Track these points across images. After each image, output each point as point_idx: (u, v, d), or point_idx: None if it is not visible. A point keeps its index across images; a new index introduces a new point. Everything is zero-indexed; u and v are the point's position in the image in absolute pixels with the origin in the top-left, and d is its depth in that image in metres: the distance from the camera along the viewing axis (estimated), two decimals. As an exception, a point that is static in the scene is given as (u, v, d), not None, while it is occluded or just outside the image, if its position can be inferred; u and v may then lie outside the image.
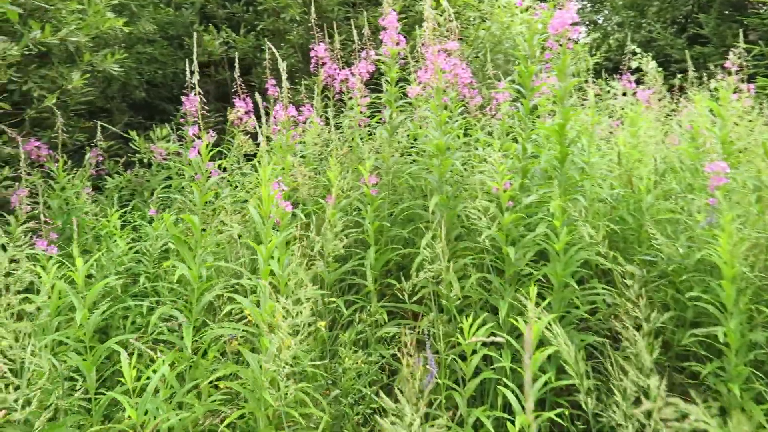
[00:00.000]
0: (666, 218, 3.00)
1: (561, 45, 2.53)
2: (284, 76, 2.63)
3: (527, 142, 2.84)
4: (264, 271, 1.75)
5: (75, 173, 3.74)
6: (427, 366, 2.21)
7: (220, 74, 7.75)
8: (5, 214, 2.65)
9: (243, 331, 1.81)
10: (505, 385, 2.40)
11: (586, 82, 3.59)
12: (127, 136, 4.94)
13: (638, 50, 6.83)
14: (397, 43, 3.23)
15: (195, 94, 2.18)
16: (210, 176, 2.10)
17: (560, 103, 2.57)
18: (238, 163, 3.30)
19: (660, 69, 5.19)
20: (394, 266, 3.27)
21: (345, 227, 2.68)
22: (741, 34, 3.55)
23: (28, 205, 2.88)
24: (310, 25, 4.32)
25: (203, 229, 2.08)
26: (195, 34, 2.66)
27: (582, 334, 2.60)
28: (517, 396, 2.04)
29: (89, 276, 2.50)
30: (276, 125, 2.81)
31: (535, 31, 2.74)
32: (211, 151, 2.15)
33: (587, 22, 13.70)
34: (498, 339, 1.70)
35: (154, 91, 7.93)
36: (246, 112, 3.25)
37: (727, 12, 9.91)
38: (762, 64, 7.62)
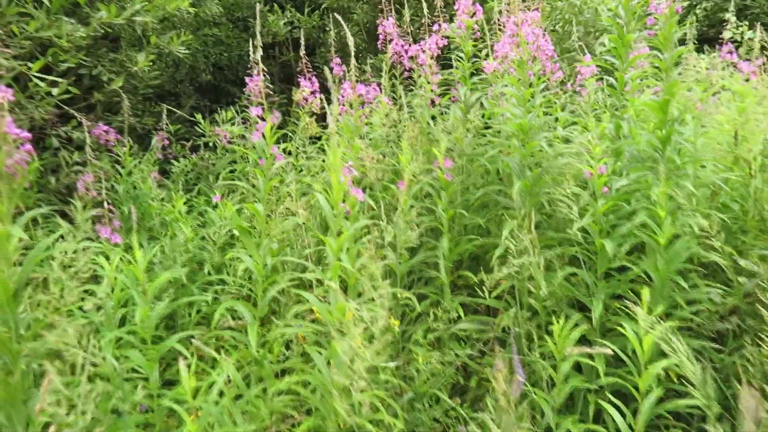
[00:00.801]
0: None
1: (668, 9, 2.20)
2: (352, 50, 2.43)
3: (621, 121, 2.53)
4: (334, 268, 1.58)
5: (142, 158, 3.71)
6: (514, 372, 1.99)
7: (284, 55, 7.66)
8: (72, 200, 2.60)
9: (311, 332, 1.66)
10: (599, 393, 2.15)
11: (691, 52, 3.20)
12: (193, 119, 4.91)
13: (733, 19, 6.20)
14: (473, 14, 2.97)
15: (258, 73, 2.02)
16: (275, 160, 1.95)
17: (666, 76, 2.25)
18: (304, 146, 3.14)
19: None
20: (468, 257, 3.05)
21: (417, 215, 2.48)
22: None
23: (95, 190, 2.84)
24: (376, 0, 4.10)
25: (268, 217, 1.94)
26: (258, 12, 2.51)
27: (686, 337, 2.29)
28: (619, 409, 1.79)
29: (152, 265, 2.41)
30: (344, 105, 2.62)
31: (632, -6, 2.41)
32: (275, 133, 1.99)
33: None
34: (604, 350, 1.45)
35: (220, 73, 7.94)
36: (311, 92, 3.08)
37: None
38: None
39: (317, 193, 1.66)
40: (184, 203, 3.47)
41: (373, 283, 1.63)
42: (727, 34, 5.67)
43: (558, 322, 1.95)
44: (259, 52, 1.99)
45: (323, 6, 6.74)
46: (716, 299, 2.41)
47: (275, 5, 6.99)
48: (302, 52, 3.20)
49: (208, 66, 7.47)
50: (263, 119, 1.90)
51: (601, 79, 3.38)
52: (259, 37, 2.19)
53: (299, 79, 3.16)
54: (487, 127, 3.41)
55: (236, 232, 2.57)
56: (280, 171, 2.57)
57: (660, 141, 2.32)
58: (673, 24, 2.21)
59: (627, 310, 2.45)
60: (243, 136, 4.08)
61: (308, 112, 3.16)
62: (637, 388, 1.72)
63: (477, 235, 3.21)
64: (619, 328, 1.80)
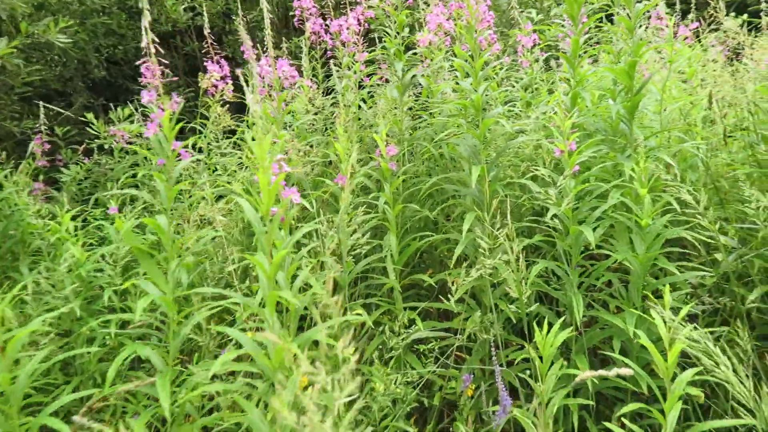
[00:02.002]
0: (745, 173, 2.45)
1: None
2: (267, 18, 2.00)
3: (580, 90, 2.25)
4: (270, 298, 1.17)
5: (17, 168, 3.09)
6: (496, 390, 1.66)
7: (187, 45, 6.99)
8: None
9: (243, 385, 1.24)
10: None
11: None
12: (84, 120, 4.26)
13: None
14: (403, -21, 2.60)
15: (149, 54, 1.56)
16: (179, 159, 1.50)
17: (630, 34, 1.98)
18: (217, 141, 2.67)
19: (669, 11, 4.59)
20: (415, 254, 2.70)
21: (365, 211, 2.09)
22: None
23: (-50, 211, 2.25)
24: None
25: (177, 233, 1.49)
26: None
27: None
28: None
29: (23, 304, 1.89)
30: (263, 87, 2.17)
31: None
32: (176, 124, 1.54)
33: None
34: (625, 371, 1.14)
35: (116, 69, 7.16)
36: (221, 78, 2.61)
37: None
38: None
39: (240, 198, 1.23)
40: (78, 217, 2.91)
41: (323, 311, 1.24)
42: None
43: (539, 331, 1.64)
44: (147, 17, 1.52)
45: (228, -13, 6.17)
46: (693, 282, 2.20)
47: (173, -12, 6.32)
48: (206, 31, 2.72)
49: (101, 61, 6.70)
50: (161, 108, 1.45)
51: (546, 48, 3.12)
52: (146, 12, 1.72)
53: (206, 64, 2.68)
54: (424, 108, 3.07)
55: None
56: (189, 172, 2.10)
57: (627, 111, 2.06)
58: (637, -26, 1.94)
59: (606, 301, 2.19)
60: (140, 135, 3.52)
61: (219, 101, 2.69)
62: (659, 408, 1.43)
63: (424, 229, 2.87)
64: (639, 340, 1.49)
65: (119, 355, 1.44)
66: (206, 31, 2.72)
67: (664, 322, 1.27)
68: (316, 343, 1.68)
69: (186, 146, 1.47)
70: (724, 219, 2.57)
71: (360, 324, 2.28)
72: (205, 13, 3.39)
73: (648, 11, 3.94)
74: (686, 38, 3.47)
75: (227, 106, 2.67)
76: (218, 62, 2.62)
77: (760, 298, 2.21)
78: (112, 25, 6.10)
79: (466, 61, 2.19)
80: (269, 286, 1.21)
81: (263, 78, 2.01)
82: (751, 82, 2.61)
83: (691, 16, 3.61)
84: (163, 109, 1.56)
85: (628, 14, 2.00)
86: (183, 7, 6.05)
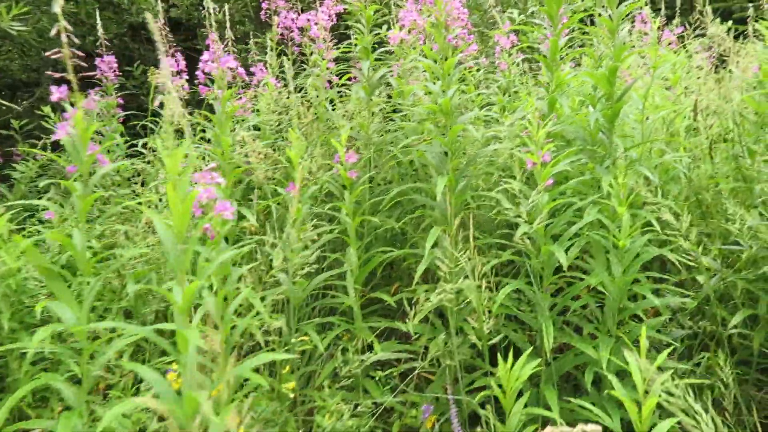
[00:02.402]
0: (729, 188, 2.32)
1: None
2: (227, 16, 1.81)
3: (558, 96, 2.09)
4: (180, 338, 0.99)
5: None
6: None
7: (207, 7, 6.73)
8: None
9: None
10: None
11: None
12: (40, 112, 4.02)
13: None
14: (373, -28, 2.43)
15: (59, 31, 1.37)
16: (97, 167, 1.31)
17: (611, 37, 1.82)
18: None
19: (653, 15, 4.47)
20: (381, 267, 2.53)
21: (316, 225, 1.91)
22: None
23: None
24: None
25: (92, 250, 1.31)
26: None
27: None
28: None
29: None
30: (207, 85, 1.98)
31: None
32: (91, 126, 1.35)
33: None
34: (592, 429, 0.98)
35: (88, 60, 6.90)
36: (177, 73, 2.42)
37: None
38: None
39: (153, 215, 1.05)
40: (24, 218, 2.70)
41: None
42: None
43: (504, 363, 1.48)
44: (59, 2, 1.33)
45: (201, -22, 5.93)
46: (673, 305, 2.05)
47: (144, -23, 6.06)
48: (160, 22, 2.52)
49: (102, 39, 6.43)
50: (72, 104, 1.27)
51: (523, 50, 2.97)
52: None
53: (160, 58, 2.48)
54: (396, 110, 2.90)
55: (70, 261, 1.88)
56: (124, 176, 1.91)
57: (607, 119, 1.90)
58: (620, -27, 1.78)
59: (580, 325, 2.04)
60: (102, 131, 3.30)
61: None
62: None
63: (391, 240, 2.69)
64: (612, 391, 1.33)
65: (21, 389, 1.25)
66: (160, 23, 2.52)
67: (640, 371, 1.11)
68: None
69: (109, 149, 1.28)
70: (706, 234, 2.44)
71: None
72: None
73: (633, 14, 3.79)
74: (671, 43, 3.33)
75: (183, 102, 2.47)
76: (173, 55, 2.42)
77: (742, 322, 2.08)
78: (80, 14, 5.83)
79: (435, 62, 2.02)
80: (182, 321, 1.03)
81: (207, 74, 1.82)
82: (737, 90, 2.48)
83: (676, 20, 3.48)
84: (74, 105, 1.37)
85: (610, 16, 1.84)
86: (154, -3, 5.80)
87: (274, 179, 2.61)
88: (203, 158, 2.22)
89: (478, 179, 2.19)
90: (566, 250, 1.84)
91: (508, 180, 1.83)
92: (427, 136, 2.25)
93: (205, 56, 1.75)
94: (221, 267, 1.30)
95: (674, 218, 1.70)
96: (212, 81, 2.38)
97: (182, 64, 2.49)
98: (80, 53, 1.41)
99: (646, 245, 1.82)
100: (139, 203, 1.70)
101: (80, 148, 1.28)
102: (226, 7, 5.90)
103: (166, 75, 1.05)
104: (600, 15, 1.86)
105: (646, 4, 3.85)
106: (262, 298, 1.72)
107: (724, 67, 2.98)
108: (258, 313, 1.55)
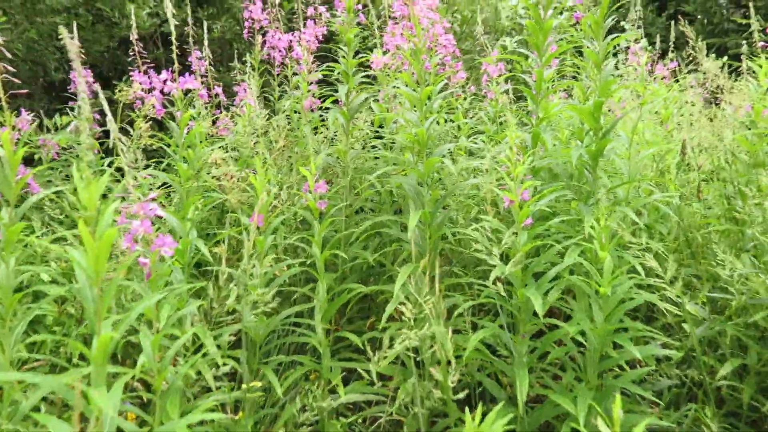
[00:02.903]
0: (720, 230, 2.22)
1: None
2: (170, 14, 1.71)
3: (542, 129, 2.00)
4: (93, 402, 0.86)
5: None
6: None
7: (152, 53, 6.66)
8: None
9: None
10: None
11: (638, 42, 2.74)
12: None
13: (627, 27, 6.08)
14: (356, -6, 2.35)
15: None
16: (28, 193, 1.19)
17: (597, 70, 1.73)
18: (135, 161, 2.36)
19: (649, 48, 4.42)
20: (355, 300, 2.41)
21: (279, 258, 1.80)
22: None
23: None
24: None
25: (18, 290, 1.18)
26: None
27: (625, 407, 1.78)
28: None
29: None
30: (161, 106, 1.87)
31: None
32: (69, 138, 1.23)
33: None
34: None
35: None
36: (148, 91, 2.32)
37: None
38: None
39: (72, 253, 0.93)
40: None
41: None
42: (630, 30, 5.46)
43: (473, 419, 1.35)
44: None
45: (194, -5, 5.88)
46: (658, 355, 1.94)
47: (136, -8, 6.01)
48: (133, 37, 2.42)
49: (62, 62, 6.35)
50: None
51: (510, 79, 2.89)
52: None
53: (132, 74, 2.38)
54: (379, 137, 2.80)
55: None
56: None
57: (591, 156, 1.81)
58: (606, 2, 1.70)
59: (558, 374, 1.92)
60: (72, 146, 3.18)
61: (144, 115, 2.38)
62: None
63: (368, 271, 2.58)
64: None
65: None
66: (132, 36, 2.42)
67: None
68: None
69: (40, 173, 1.17)
70: (695, 275, 2.33)
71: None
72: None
73: (624, 46, 3.73)
74: (663, 77, 3.27)
75: (150, 121, 2.37)
76: (146, 72, 2.32)
77: (732, 372, 1.96)
78: (64, 24, 5.75)
79: (415, 90, 1.92)
80: (98, 376, 0.91)
81: (165, 94, 1.71)
82: (729, 128, 2.40)
83: (671, 55, 3.42)
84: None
85: (596, 48, 1.75)
86: (146, 12, 5.74)
87: (248, 204, 2.51)
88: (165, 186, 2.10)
89: (460, 212, 2.08)
90: (546, 293, 1.73)
91: (482, 217, 1.72)
92: (405, 166, 2.15)
93: (164, 75, 1.64)
94: (162, 304, 1.17)
95: (659, 264, 1.59)
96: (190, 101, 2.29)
97: (156, 80, 2.39)
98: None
99: (631, 290, 1.71)
100: (58, 239, 1.57)
101: (8, 173, 1.16)
102: (219, 24, 5.85)
103: (83, 96, 0.94)
104: (587, 48, 1.77)
105: (641, 38, 3.80)
106: (217, 336, 1.60)
107: (717, 104, 2.91)
108: (205, 354, 1.43)
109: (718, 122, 2.43)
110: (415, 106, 1.90)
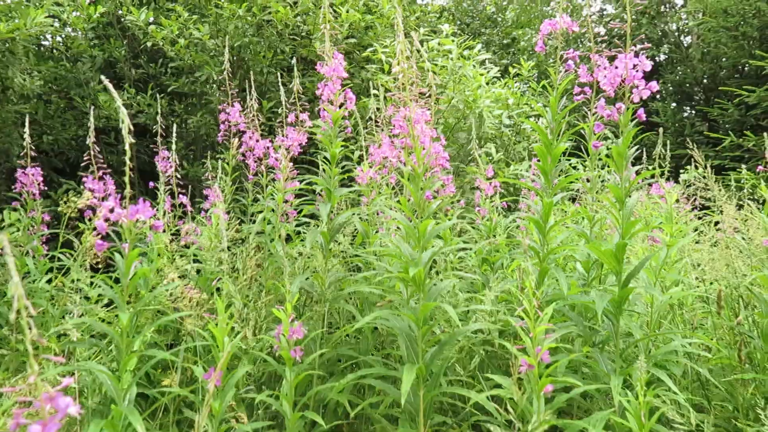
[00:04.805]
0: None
1: (624, 112, 1.50)
2: (173, 134, 1.45)
3: (549, 265, 1.75)
4: None
5: None
6: None
7: (121, 142, 6.44)
8: None
9: None
10: None
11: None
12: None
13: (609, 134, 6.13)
14: (342, 104, 2.16)
15: None
16: None
17: (619, 208, 1.51)
18: (78, 280, 2.02)
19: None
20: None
21: (237, 418, 1.45)
22: None
23: None
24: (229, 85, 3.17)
25: None
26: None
27: None
28: None
29: None
30: (111, 236, 1.55)
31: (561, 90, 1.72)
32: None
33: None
34: None
35: (44, 159, 6.50)
36: (103, 198, 2.02)
37: (683, 102, 9.65)
38: (734, 156, 7.08)
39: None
40: None
41: None
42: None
43: None
44: None
45: (170, 89, 5.76)
46: None
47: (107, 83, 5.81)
48: (90, 140, 2.16)
49: (28, 149, 6.07)
50: None
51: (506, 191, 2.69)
52: None
53: (84, 179, 2.09)
54: (359, 256, 2.52)
55: None
56: None
57: (613, 305, 1.54)
58: (631, 133, 1.50)
59: None
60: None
61: (93, 228, 2.08)
62: None
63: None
64: None
65: None
66: (90, 139, 2.15)
67: None
68: None
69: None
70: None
71: None
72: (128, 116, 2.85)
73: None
74: (688, 210, 3.10)
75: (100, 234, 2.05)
76: (101, 177, 2.04)
77: None
78: (36, 115, 5.53)
79: (410, 219, 1.67)
80: None
81: (114, 223, 1.41)
82: (745, 265, 2.18)
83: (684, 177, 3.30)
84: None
85: (617, 181, 1.54)
86: (118, 103, 5.57)
87: (207, 329, 2.16)
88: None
89: (455, 361, 1.76)
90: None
91: (490, 376, 1.42)
92: (395, 299, 1.86)
93: (110, 202, 1.35)
94: None
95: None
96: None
97: (112, 187, 2.11)
98: None
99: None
100: None
101: None
102: (194, 118, 5.67)
103: None
104: (607, 181, 1.56)
105: (655, 170, 3.70)
106: None
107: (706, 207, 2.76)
108: None
109: (731, 256, 2.22)
110: (410, 237, 1.63)
